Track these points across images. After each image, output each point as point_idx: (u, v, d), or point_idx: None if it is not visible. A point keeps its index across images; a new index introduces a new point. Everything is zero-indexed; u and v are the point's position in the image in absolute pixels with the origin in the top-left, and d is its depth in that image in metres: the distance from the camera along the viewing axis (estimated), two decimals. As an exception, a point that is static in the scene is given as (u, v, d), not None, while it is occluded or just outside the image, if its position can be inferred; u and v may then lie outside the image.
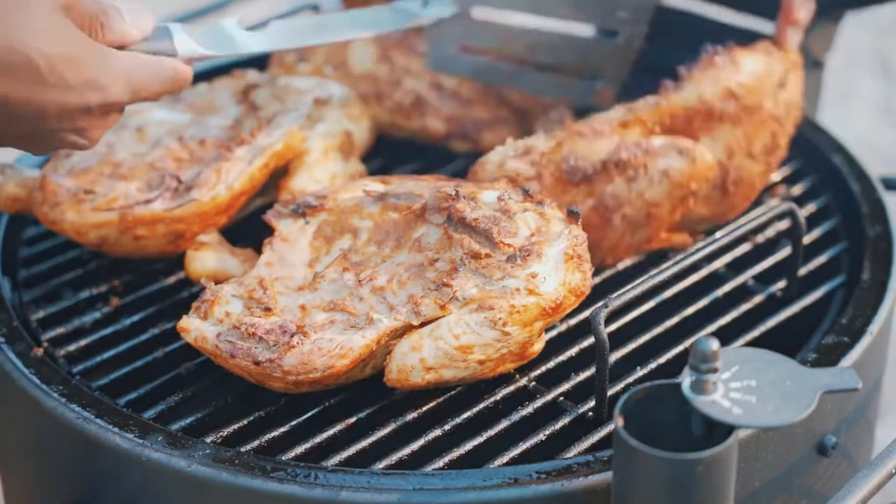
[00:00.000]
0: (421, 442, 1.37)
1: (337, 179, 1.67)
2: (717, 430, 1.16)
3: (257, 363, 1.34)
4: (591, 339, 1.40)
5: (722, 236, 1.51)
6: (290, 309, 1.41)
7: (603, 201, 1.55)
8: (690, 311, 1.58)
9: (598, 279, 1.63)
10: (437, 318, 1.36)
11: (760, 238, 1.72)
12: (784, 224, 1.72)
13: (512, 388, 1.45)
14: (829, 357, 1.47)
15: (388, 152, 1.92)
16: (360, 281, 1.41)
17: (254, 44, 1.52)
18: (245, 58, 2.06)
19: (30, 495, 1.55)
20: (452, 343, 1.35)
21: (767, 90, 1.66)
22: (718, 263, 1.67)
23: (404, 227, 1.47)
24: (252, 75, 1.80)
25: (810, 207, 1.78)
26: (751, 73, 1.67)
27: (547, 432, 1.38)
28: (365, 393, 1.43)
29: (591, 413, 1.42)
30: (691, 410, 1.16)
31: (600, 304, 1.37)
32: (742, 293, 1.63)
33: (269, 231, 1.53)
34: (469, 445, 1.36)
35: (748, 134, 1.65)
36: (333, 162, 1.68)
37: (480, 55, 1.80)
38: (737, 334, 1.54)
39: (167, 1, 3.81)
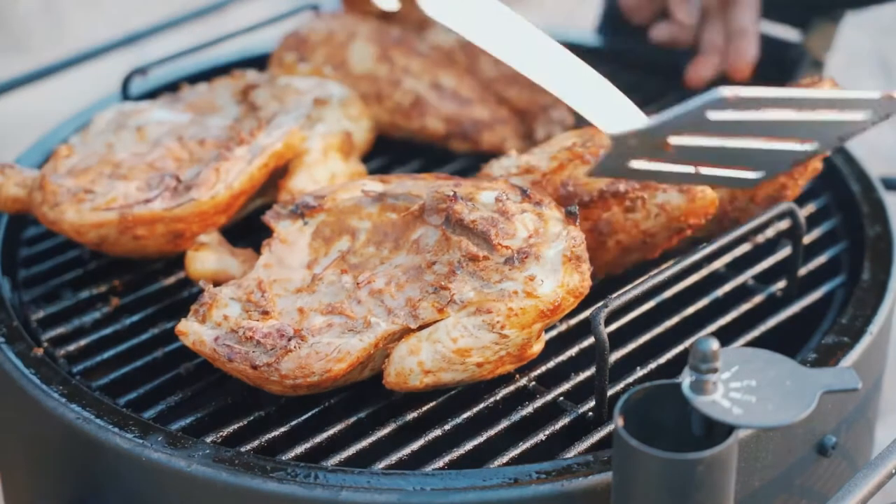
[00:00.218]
0: (421, 442, 1.37)
1: (337, 179, 1.67)
2: (717, 430, 1.16)
3: (255, 367, 1.34)
4: (591, 339, 1.40)
5: (722, 236, 1.51)
6: (288, 312, 1.40)
7: (598, 227, 1.53)
8: (690, 311, 1.58)
9: (597, 279, 1.63)
10: (435, 322, 1.36)
11: (760, 238, 1.72)
12: (784, 224, 1.72)
13: (512, 388, 1.45)
14: (829, 357, 1.47)
15: (388, 152, 1.92)
16: (358, 283, 1.41)
17: None
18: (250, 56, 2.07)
19: (30, 495, 1.55)
20: (450, 346, 1.35)
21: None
22: (718, 263, 1.67)
23: (402, 228, 1.47)
24: (252, 75, 1.80)
25: (810, 207, 1.78)
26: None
27: (547, 432, 1.38)
28: (365, 393, 1.43)
29: (591, 413, 1.42)
30: (691, 410, 1.16)
31: (600, 304, 1.37)
32: (742, 293, 1.63)
33: (268, 231, 1.53)
34: (469, 445, 1.36)
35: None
36: (333, 162, 1.68)
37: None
38: (737, 334, 1.53)
39: (167, 1, 3.81)
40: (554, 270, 1.37)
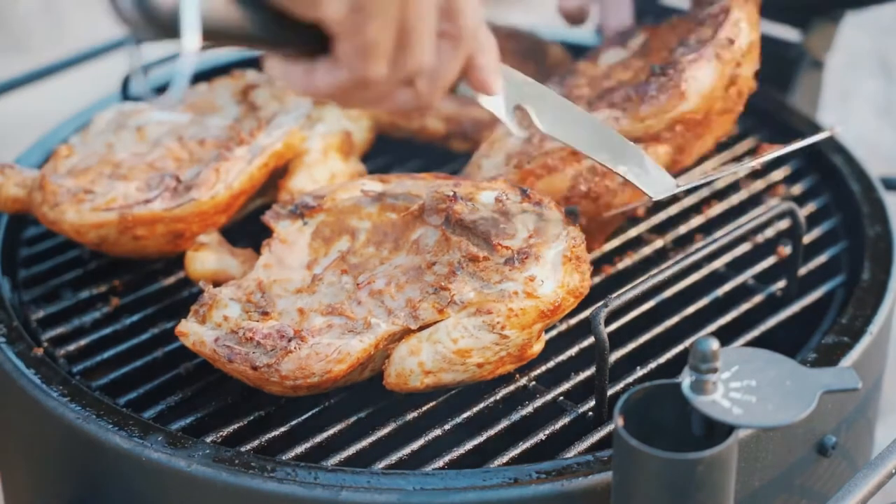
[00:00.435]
0: (421, 442, 1.37)
1: (336, 179, 1.67)
2: (717, 430, 1.16)
3: (255, 368, 1.34)
4: (591, 339, 1.40)
5: (722, 236, 1.51)
6: (288, 312, 1.40)
7: (580, 221, 1.53)
8: (690, 311, 1.58)
9: (597, 279, 1.63)
10: (435, 322, 1.36)
11: (760, 238, 1.72)
12: (784, 224, 1.72)
13: (512, 388, 1.45)
14: (829, 357, 1.47)
15: (388, 152, 1.92)
16: (358, 284, 1.41)
17: None
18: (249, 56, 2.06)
19: (30, 495, 1.55)
20: (451, 347, 1.35)
21: (716, 97, 1.60)
22: (718, 263, 1.67)
23: (402, 228, 1.47)
24: (251, 75, 1.80)
25: (810, 207, 1.78)
26: (697, 95, 1.57)
27: (547, 432, 1.38)
28: (365, 393, 1.43)
29: (591, 413, 1.42)
30: (691, 410, 1.16)
31: (600, 304, 1.37)
32: (742, 293, 1.63)
33: (268, 231, 1.53)
34: (469, 445, 1.36)
35: (698, 133, 1.63)
36: (333, 162, 1.68)
37: None
38: (737, 334, 1.53)
39: (167, 1, 3.77)
40: (554, 271, 1.37)
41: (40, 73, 2.10)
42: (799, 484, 1.45)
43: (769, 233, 1.73)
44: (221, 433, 1.39)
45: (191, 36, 1.04)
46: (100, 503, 1.40)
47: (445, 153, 1.90)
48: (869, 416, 1.59)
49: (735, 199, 1.79)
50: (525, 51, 1.99)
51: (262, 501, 1.28)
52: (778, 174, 1.85)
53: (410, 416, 1.40)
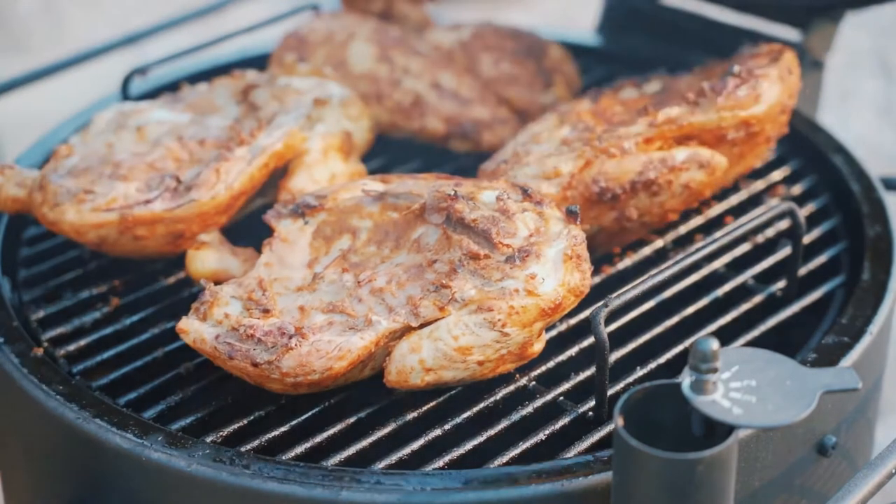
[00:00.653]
0: (421, 442, 1.37)
1: (337, 179, 1.67)
2: (717, 430, 1.16)
3: (255, 365, 1.34)
4: (591, 339, 1.40)
5: (722, 236, 1.51)
6: (289, 310, 1.40)
7: (626, 213, 1.59)
8: (690, 311, 1.58)
9: (597, 279, 1.63)
10: (436, 320, 1.36)
11: (760, 238, 1.72)
12: (784, 224, 1.72)
13: (512, 387, 1.45)
14: (829, 357, 1.47)
15: (388, 152, 1.92)
16: (359, 282, 1.41)
17: None
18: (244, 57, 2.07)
19: (30, 495, 1.55)
20: (451, 344, 1.35)
21: (774, 117, 1.66)
22: (718, 263, 1.67)
23: (403, 227, 1.47)
24: (252, 75, 1.80)
25: (810, 207, 1.78)
26: (767, 104, 1.64)
27: (547, 432, 1.38)
28: (365, 393, 1.43)
29: (591, 413, 1.42)
30: (691, 410, 1.16)
31: (600, 304, 1.37)
32: (742, 293, 1.63)
33: (269, 230, 1.53)
34: (469, 445, 1.36)
35: (751, 146, 1.68)
36: (333, 162, 1.68)
37: None
38: (737, 334, 1.53)
39: (167, 1, 3.81)
40: (555, 269, 1.37)
41: (40, 73, 2.10)
42: (799, 484, 1.45)
43: (769, 233, 1.73)
44: (221, 433, 1.39)
45: None
46: (100, 503, 1.40)
47: (445, 153, 1.90)
48: (869, 417, 1.59)
49: (735, 200, 1.79)
50: (525, 51, 2.00)
51: (262, 501, 1.28)
52: (778, 174, 1.85)
53: (410, 416, 1.40)
